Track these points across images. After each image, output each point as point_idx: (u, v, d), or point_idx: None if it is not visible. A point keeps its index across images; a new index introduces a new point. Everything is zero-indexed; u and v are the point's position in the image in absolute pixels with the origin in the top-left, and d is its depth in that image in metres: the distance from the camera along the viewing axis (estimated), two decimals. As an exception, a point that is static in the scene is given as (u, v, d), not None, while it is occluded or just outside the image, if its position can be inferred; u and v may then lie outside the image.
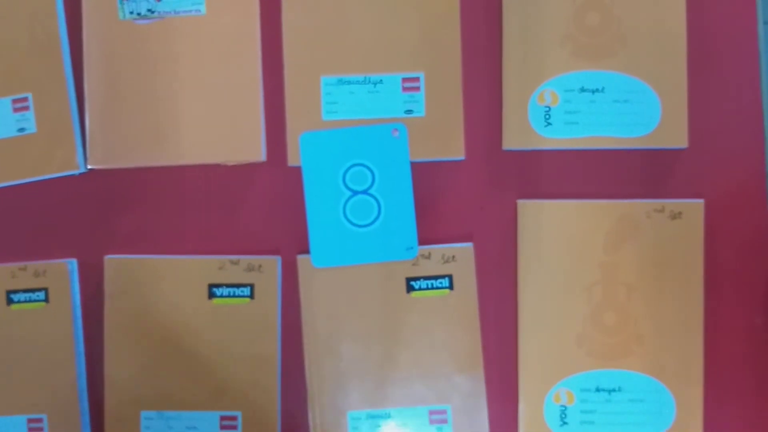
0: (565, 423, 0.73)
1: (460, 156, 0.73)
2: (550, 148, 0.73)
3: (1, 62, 0.74)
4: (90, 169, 0.74)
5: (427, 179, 0.74)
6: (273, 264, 0.74)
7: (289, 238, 0.74)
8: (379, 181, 0.71)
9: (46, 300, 0.74)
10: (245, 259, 0.74)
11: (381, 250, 0.70)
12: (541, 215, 0.73)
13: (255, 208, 0.75)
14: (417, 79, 0.73)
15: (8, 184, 0.75)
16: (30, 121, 0.74)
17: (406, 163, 0.71)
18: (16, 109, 0.74)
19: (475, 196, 0.74)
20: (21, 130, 0.74)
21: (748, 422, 0.74)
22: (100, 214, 0.75)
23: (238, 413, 0.73)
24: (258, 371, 0.73)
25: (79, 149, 0.74)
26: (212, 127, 0.74)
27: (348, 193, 0.71)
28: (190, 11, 0.74)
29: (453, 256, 0.73)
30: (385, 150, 0.71)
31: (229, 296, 0.73)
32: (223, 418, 0.73)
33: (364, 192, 0.71)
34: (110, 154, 0.74)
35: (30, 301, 0.74)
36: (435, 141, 0.73)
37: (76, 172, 0.74)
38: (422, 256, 0.73)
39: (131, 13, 0.74)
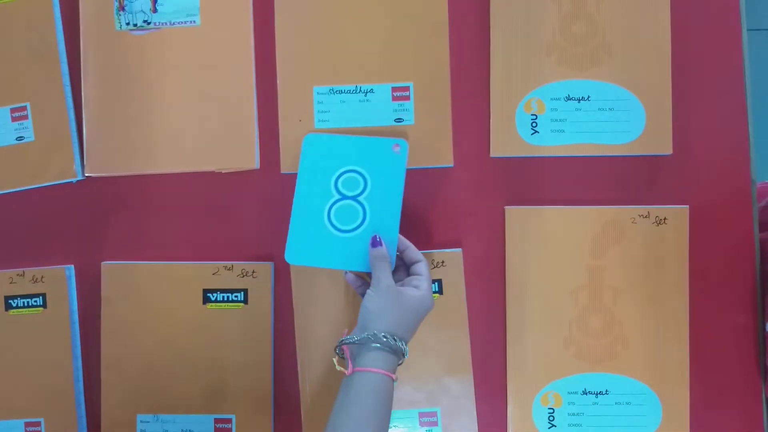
0: (553, 425, 0.74)
1: (449, 163, 0.75)
2: (537, 156, 0.74)
3: None
4: (87, 177, 0.76)
5: (417, 186, 0.75)
6: (266, 269, 0.75)
7: (282, 244, 0.75)
8: (371, 190, 0.70)
9: (44, 305, 0.75)
10: (239, 264, 0.75)
11: (357, 259, 0.69)
12: (528, 221, 0.74)
13: (249, 215, 0.76)
14: (407, 88, 0.74)
15: (7, 191, 0.76)
16: (28, 129, 0.76)
17: (400, 179, 0.70)
18: (14, 118, 0.76)
19: (464, 202, 0.75)
20: (19, 138, 0.76)
21: (734, 423, 0.75)
22: (97, 221, 0.77)
23: (232, 416, 0.75)
24: (252, 375, 0.75)
25: (77, 157, 0.76)
26: (207, 136, 0.75)
27: (337, 196, 0.70)
28: (185, 22, 0.75)
29: (442, 262, 0.74)
30: (382, 162, 0.70)
31: (223, 301, 0.75)
32: (217, 420, 0.74)
33: (353, 198, 0.70)
34: (107, 162, 0.76)
35: (28, 306, 0.76)
36: (424, 149, 0.74)
37: (73, 179, 0.76)
38: (412, 261, 0.74)
39: (128, 24, 0.75)
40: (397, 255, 0.69)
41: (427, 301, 0.65)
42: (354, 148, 0.71)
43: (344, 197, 0.70)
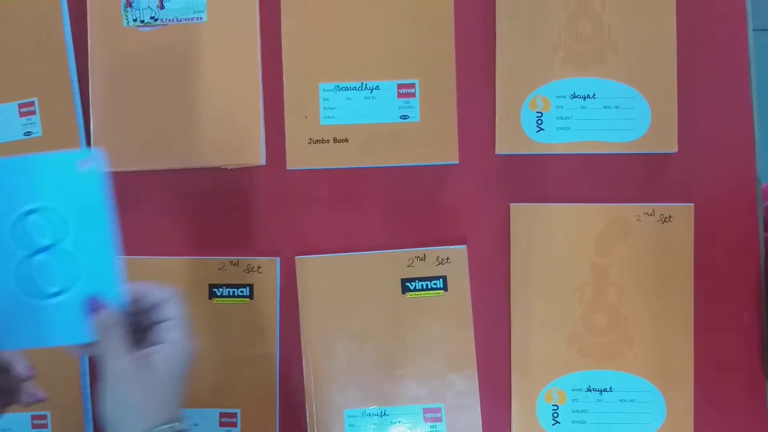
0: (557, 422, 0.75)
1: (454, 160, 0.75)
2: (542, 153, 0.75)
3: (8, 67, 0.77)
4: (94, 172, 0.76)
5: (422, 183, 0.75)
6: (272, 265, 0.75)
7: (287, 239, 0.76)
8: (70, 231, 0.51)
9: (51, 299, 0.76)
10: (245, 260, 0.75)
11: (76, 327, 0.51)
12: (533, 218, 0.74)
13: (254, 211, 0.76)
14: (412, 85, 0.74)
15: (15, 186, 0.77)
16: (36, 125, 0.76)
17: (101, 207, 0.51)
18: (22, 113, 0.76)
19: (469, 199, 0.75)
20: (27, 133, 0.76)
21: (738, 421, 0.75)
22: (104, 216, 0.77)
23: (237, 410, 0.75)
24: (257, 370, 0.75)
25: (84, 153, 0.76)
26: (213, 132, 0.75)
27: (22, 253, 0.51)
28: (192, 19, 0.76)
29: (447, 258, 0.74)
30: (73, 187, 0.51)
31: (229, 296, 0.75)
32: (222, 415, 0.75)
33: (49, 249, 0.51)
34: (114, 158, 0.74)
35: (35, 300, 0.76)
36: (429, 146, 0.74)
37: (80, 175, 0.76)
38: (417, 257, 0.74)
39: (135, 20, 0.76)
40: (134, 306, 0.53)
41: (182, 355, 0.51)
42: (27, 174, 0.51)
43: (34, 252, 0.51)
